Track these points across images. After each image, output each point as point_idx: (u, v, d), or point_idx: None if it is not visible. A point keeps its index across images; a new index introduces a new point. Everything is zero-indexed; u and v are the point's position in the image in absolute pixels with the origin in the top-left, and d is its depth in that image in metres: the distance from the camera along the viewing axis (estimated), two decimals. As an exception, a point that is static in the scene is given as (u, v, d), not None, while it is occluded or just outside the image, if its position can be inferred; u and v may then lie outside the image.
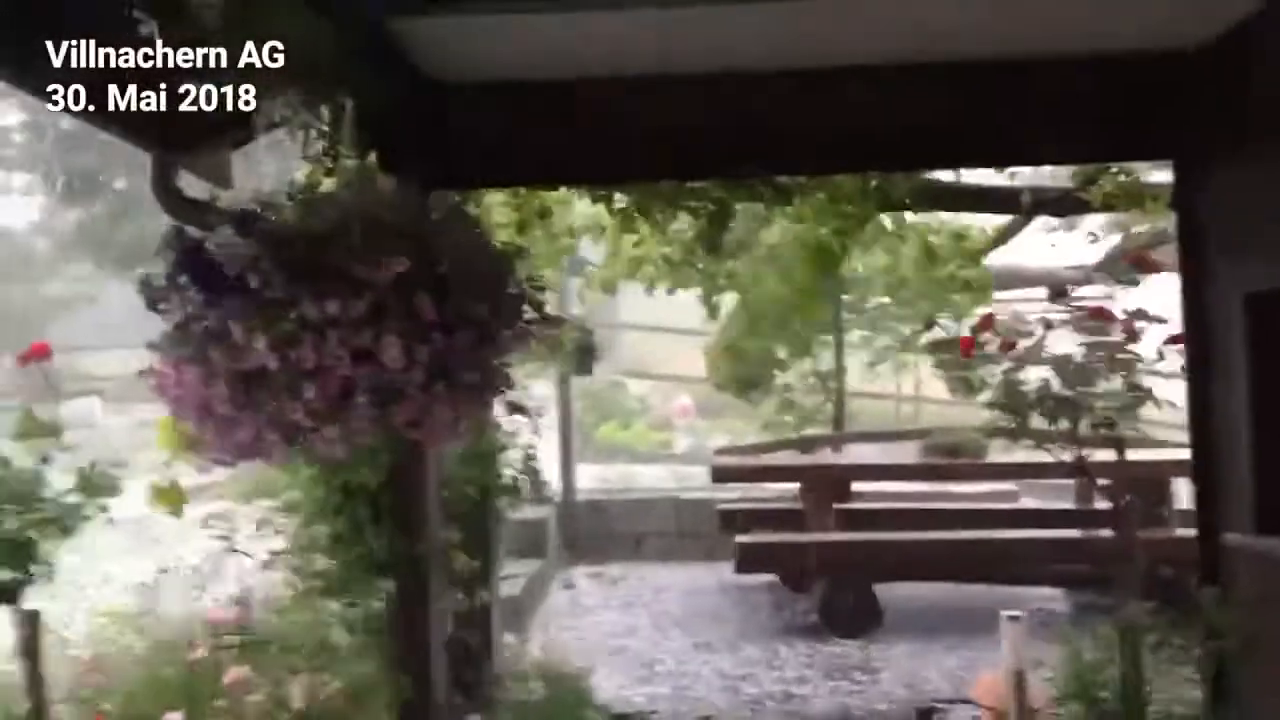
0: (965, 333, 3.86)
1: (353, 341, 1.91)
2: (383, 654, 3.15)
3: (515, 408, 2.32)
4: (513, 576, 6.74)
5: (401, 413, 2.01)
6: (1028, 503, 8.47)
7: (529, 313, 2.39)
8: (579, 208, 5.10)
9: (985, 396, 3.88)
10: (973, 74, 3.23)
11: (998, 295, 7.13)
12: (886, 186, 4.49)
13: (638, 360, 15.54)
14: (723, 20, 2.79)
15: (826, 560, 6.88)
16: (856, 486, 7.84)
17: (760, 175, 4.13)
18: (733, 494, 8.77)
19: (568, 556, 8.81)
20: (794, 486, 7.67)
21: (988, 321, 3.78)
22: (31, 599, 3.23)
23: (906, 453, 7.56)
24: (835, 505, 7.18)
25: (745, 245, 5.91)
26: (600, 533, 9.09)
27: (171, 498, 3.39)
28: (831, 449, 8.28)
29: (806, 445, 8.37)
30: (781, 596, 7.60)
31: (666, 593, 7.92)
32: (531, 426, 4.66)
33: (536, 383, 8.17)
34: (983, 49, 3.16)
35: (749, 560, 7.00)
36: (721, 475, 7.67)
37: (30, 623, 3.22)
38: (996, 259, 7.44)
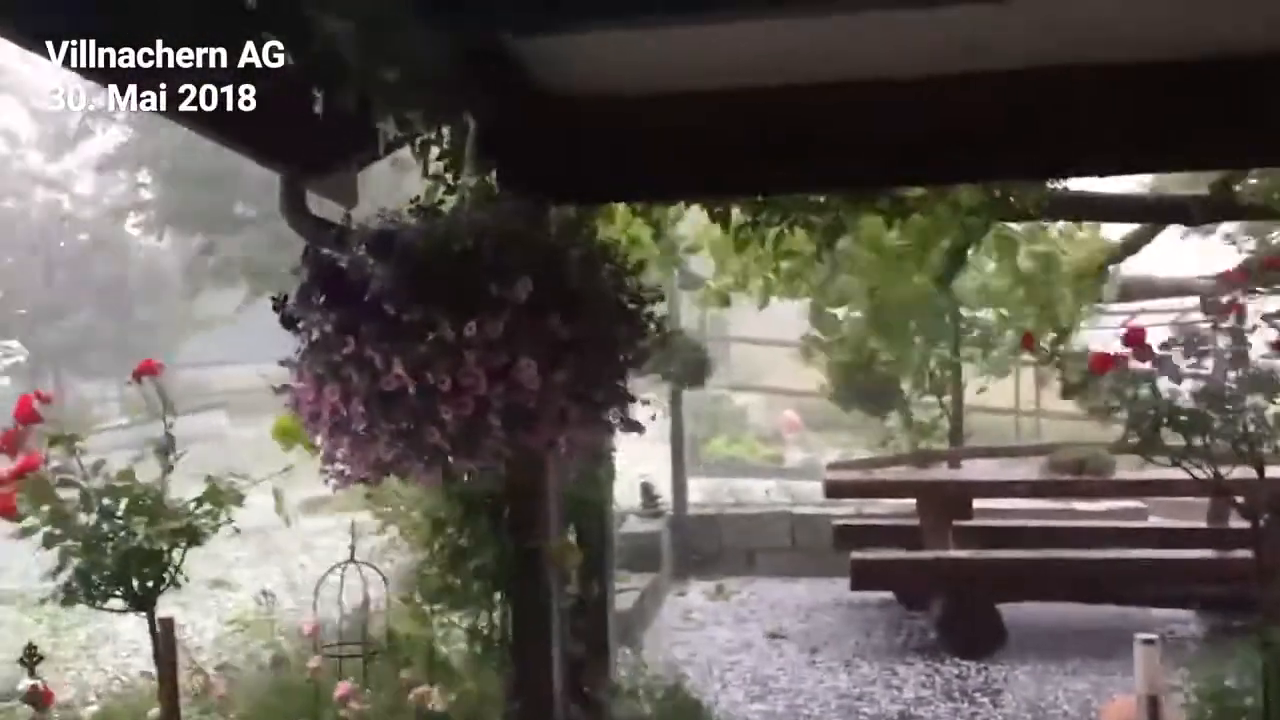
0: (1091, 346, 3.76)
1: (489, 362, 1.90)
2: (501, 665, 3.17)
3: (630, 424, 2.31)
4: (626, 590, 6.74)
5: (535, 433, 2.01)
6: (1157, 521, 8.17)
7: (647, 329, 2.38)
8: (690, 220, 5.09)
9: (1114, 412, 3.77)
10: (1100, 76, 3.11)
11: (1126, 306, 6.90)
12: (1010, 196, 4.37)
13: (744, 373, 15.48)
14: (851, 28, 2.75)
15: (945, 578, 6.74)
16: (976, 503, 7.67)
17: (881, 187, 4.06)
18: (846, 509, 8.67)
19: (681, 570, 8.79)
20: (910, 502, 7.54)
21: (1136, 336, 3.67)
22: (164, 607, 3.34)
23: (1028, 469, 7.37)
24: (954, 522, 7.03)
25: (858, 258, 5.82)
26: (712, 547, 9.05)
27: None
28: (949, 464, 8.10)
29: (922, 460, 8.21)
30: (898, 614, 7.46)
31: (780, 608, 7.84)
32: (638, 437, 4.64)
33: (646, 396, 8.17)
34: (1118, 52, 3.05)
35: (865, 577, 6.89)
36: (835, 490, 7.56)
37: (165, 630, 3.32)
38: (1126, 269, 7.19)
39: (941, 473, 7.77)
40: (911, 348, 7.80)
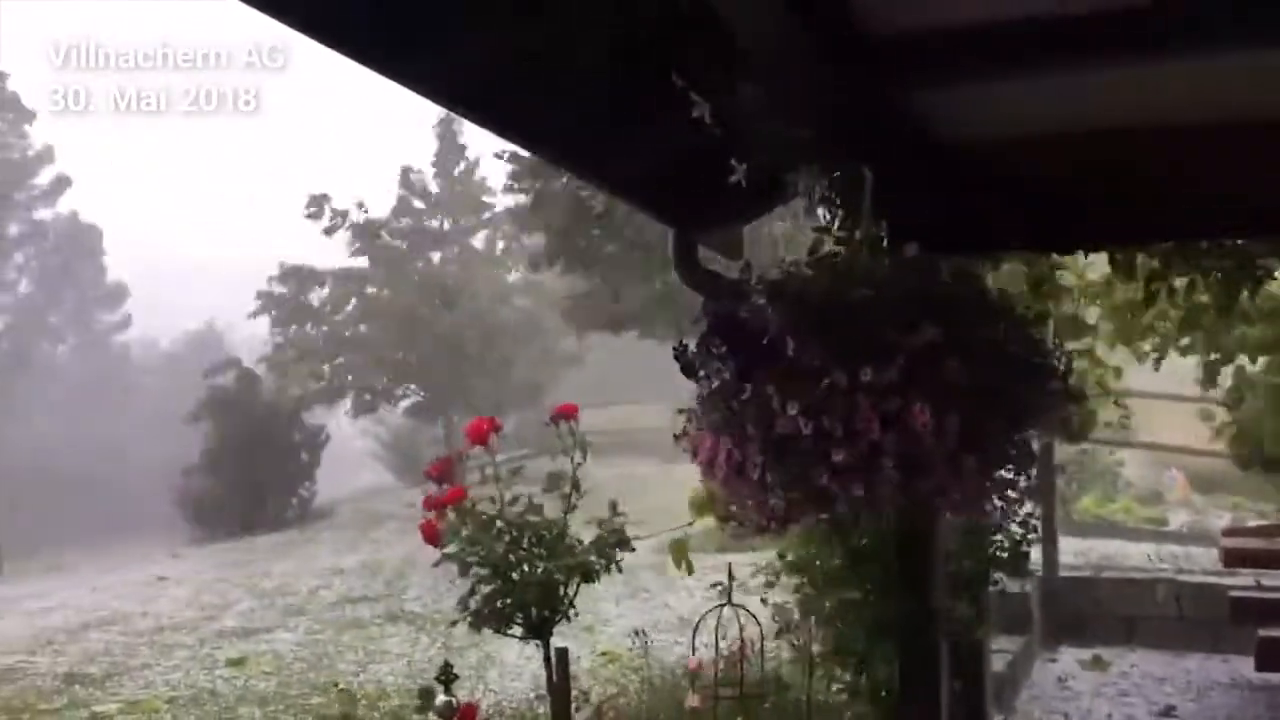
0: None
1: (881, 407, 1.92)
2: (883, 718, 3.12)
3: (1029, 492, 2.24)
4: (997, 652, 6.45)
5: (926, 481, 1.99)
6: None
7: (1054, 384, 2.29)
8: (1083, 268, 4.84)
9: None
10: None
11: None
12: None
13: (1116, 427, 14.41)
14: (1244, 66, 2.54)
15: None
16: None
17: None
18: (1243, 580, 7.85)
19: (1052, 635, 8.28)
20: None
21: None
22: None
23: None
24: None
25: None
26: (1087, 612, 8.45)
27: (683, 554, 3.62)
28: (1372, 536, 7.16)
29: (1341, 531, 7.30)
30: (1312, 702, 6.64)
31: (1168, 685, 7.18)
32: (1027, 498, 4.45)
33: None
34: None
35: (1275, 658, 6.19)
36: (1235, 559, 6.88)
37: (560, 659, 3.53)
38: None
39: (1365, 545, 6.89)
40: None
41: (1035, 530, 4.14)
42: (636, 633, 5.41)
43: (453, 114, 25.62)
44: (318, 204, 24.74)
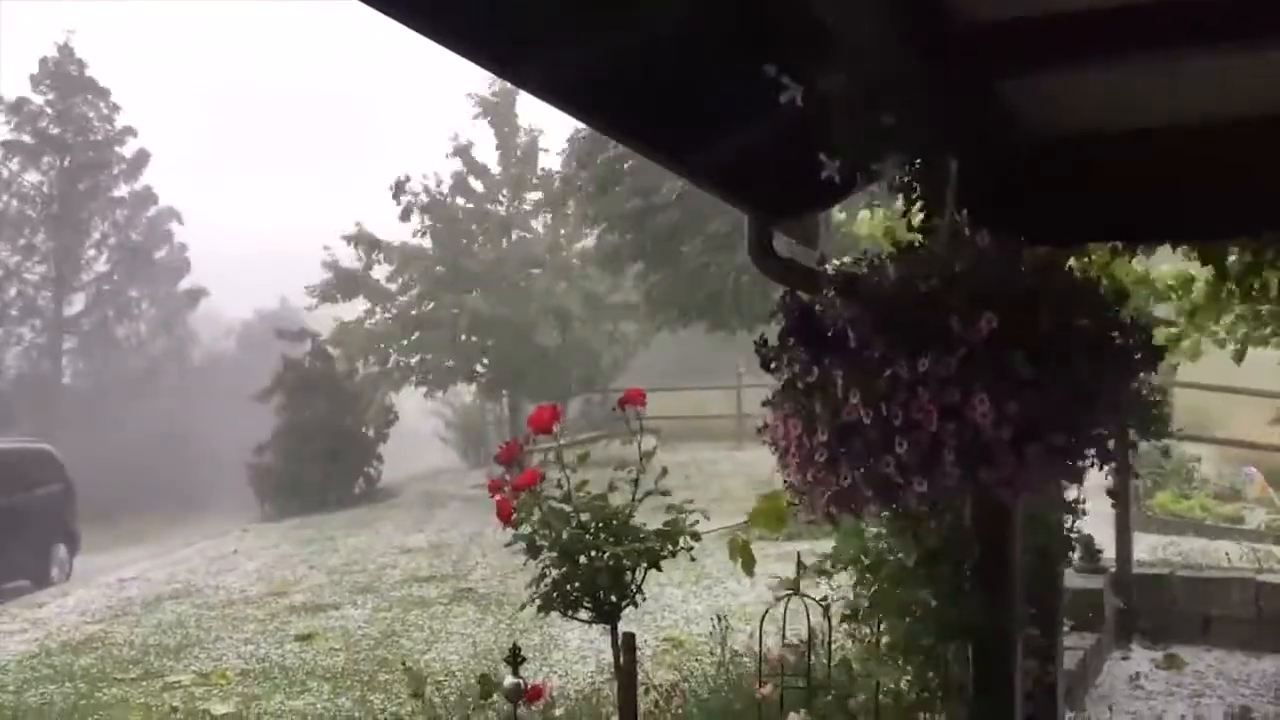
0: None
1: (941, 398, 1.91)
2: (956, 716, 3.07)
3: (1111, 492, 2.20)
4: (1069, 649, 6.34)
5: (989, 472, 1.97)
6: None
7: (1136, 374, 2.25)
8: (1167, 262, 4.72)
9: None
10: None
11: None
12: None
13: (1191, 422, 14.13)
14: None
15: None
16: None
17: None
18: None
19: (1124, 632, 8.13)
20: None
21: None
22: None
23: None
24: None
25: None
26: (1160, 610, 8.28)
27: (743, 552, 3.60)
28: None
29: None
30: (1402, 709, 6.44)
31: (1245, 686, 7.02)
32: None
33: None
34: None
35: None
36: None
37: (626, 644, 3.53)
38: None
39: None
40: None
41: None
42: (719, 617, 5.41)
43: (507, 91, 25.70)
44: (399, 187, 24.87)
